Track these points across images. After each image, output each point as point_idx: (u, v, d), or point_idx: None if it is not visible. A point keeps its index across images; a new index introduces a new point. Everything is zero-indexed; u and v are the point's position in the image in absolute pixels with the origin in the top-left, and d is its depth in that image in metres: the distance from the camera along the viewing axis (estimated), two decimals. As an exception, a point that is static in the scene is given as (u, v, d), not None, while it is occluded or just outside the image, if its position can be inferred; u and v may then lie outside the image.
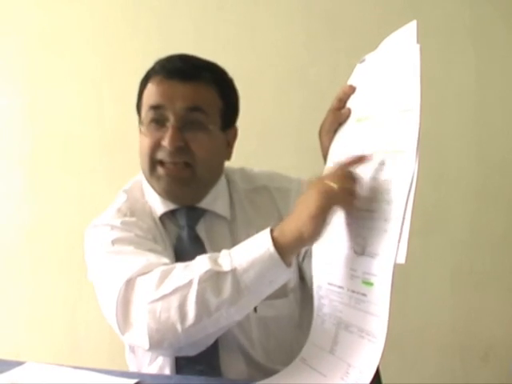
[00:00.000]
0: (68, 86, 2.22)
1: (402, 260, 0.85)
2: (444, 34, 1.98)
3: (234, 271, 0.92)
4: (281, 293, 1.17)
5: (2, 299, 2.27)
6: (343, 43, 2.03)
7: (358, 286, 0.92)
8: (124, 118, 2.21)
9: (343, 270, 0.96)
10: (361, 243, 0.93)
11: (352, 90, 1.05)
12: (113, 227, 1.13)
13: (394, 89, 0.94)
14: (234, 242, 1.16)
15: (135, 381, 1.01)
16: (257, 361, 1.16)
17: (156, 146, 1.13)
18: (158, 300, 0.95)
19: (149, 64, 2.14)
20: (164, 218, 1.20)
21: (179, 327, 0.94)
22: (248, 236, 1.07)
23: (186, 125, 1.12)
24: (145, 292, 0.97)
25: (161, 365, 1.17)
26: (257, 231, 1.01)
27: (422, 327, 1.96)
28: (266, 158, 2.00)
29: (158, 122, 1.13)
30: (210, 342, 1.03)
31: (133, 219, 1.16)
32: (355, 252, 0.94)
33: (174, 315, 0.94)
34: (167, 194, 1.17)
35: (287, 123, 2.07)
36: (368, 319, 0.89)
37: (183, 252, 1.16)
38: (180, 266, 0.98)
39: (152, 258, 1.03)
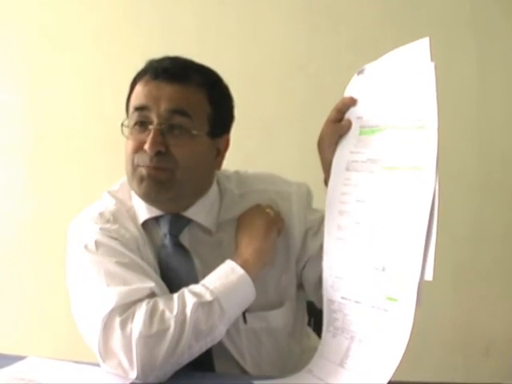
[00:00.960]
0: (69, 82, 2.22)
1: (429, 277, 0.85)
2: (445, 28, 1.97)
3: (217, 299, 1.00)
4: (277, 303, 1.17)
5: (4, 294, 2.28)
6: (345, 38, 2.02)
7: (380, 301, 0.91)
8: (125, 115, 2.21)
9: (362, 284, 0.96)
10: (380, 260, 0.93)
11: (352, 101, 1.04)
12: (96, 233, 1.10)
13: (406, 104, 0.94)
14: (221, 251, 1.15)
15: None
16: (248, 372, 1.16)
17: (138, 150, 1.09)
18: (151, 336, 0.96)
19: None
20: (149, 224, 1.16)
21: (171, 358, 0.97)
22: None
23: (169, 128, 1.08)
24: (134, 327, 0.96)
25: None
26: None
27: (423, 323, 1.93)
28: (267, 154, 2.00)
29: (142, 124, 1.09)
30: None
31: (115, 226, 1.12)
32: (377, 267, 0.93)
33: (168, 348, 0.96)
34: (146, 198, 1.12)
35: (289, 119, 2.07)
36: (388, 334, 0.89)
37: (168, 259, 1.14)
38: (162, 300, 1.00)
39: (135, 281, 1.02)
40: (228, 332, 1.06)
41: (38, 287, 2.24)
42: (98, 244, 1.07)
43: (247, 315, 1.12)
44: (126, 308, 0.98)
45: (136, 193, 1.13)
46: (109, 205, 1.17)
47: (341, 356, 0.96)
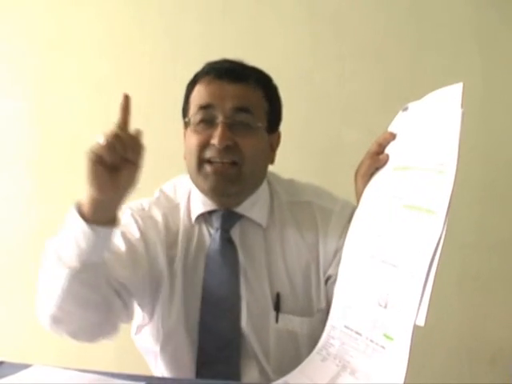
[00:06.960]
0: (75, 88, 2.23)
1: (421, 323, 0.86)
2: (449, 38, 1.97)
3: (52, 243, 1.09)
4: (307, 311, 1.20)
5: (10, 301, 2.28)
6: (349, 48, 2.02)
7: (378, 338, 0.92)
8: (131, 121, 2.22)
9: (364, 318, 0.97)
10: (384, 297, 0.94)
11: (392, 136, 1.07)
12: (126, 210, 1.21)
13: (432, 147, 0.95)
14: (267, 248, 1.20)
15: (142, 383, 1.01)
16: (268, 373, 1.18)
17: (205, 145, 1.14)
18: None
19: (156, 66, 2.15)
20: (201, 219, 1.23)
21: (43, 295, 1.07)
22: (282, 245, 1.19)
23: (235, 125, 1.14)
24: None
25: (181, 368, 1.20)
26: (292, 244, 1.18)
27: (429, 331, 1.92)
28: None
29: (207, 121, 1.15)
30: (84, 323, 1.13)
31: (144, 214, 1.22)
32: (380, 303, 0.94)
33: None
34: (213, 192, 1.17)
35: (292, 128, 2.06)
36: (382, 371, 0.89)
37: (215, 253, 1.20)
38: None
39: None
40: (257, 329, 1.12)
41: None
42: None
43: (280, 315, 1.17)
44: None
45: (200, 187, 1.19)
46: (151, 200, 1.26)
47: (327, 380, 0.96)
